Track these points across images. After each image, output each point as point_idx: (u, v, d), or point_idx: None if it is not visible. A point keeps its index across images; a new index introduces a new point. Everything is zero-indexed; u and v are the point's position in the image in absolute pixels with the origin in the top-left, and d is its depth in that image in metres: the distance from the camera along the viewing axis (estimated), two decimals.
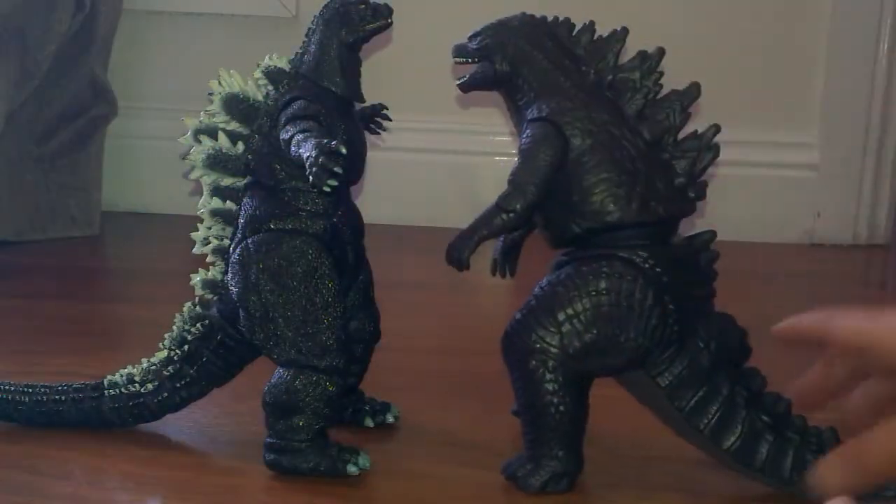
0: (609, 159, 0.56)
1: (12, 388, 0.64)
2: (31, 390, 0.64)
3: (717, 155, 0.58)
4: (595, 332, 0.55)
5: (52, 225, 1.21)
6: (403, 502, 0.57)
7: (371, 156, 0.66)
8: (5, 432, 0.64)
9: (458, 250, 0.56)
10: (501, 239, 0.65)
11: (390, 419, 0.67)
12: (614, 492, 0.58)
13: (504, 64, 0.59)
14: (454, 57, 0.61)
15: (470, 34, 0.60)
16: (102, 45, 1.22)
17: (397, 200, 1.25)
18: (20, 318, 0.90)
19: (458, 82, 0.61)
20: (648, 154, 0.57)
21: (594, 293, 0.55)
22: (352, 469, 0.58)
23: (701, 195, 0.58)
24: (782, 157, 1.27)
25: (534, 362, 0.55)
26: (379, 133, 0.68)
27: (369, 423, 0.66)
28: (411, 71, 1.26)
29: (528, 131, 0.57)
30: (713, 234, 0.59)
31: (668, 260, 0.56)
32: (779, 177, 1.27)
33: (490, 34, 0.59)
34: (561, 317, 0.55)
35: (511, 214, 0.56)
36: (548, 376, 0.55)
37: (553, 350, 0.55)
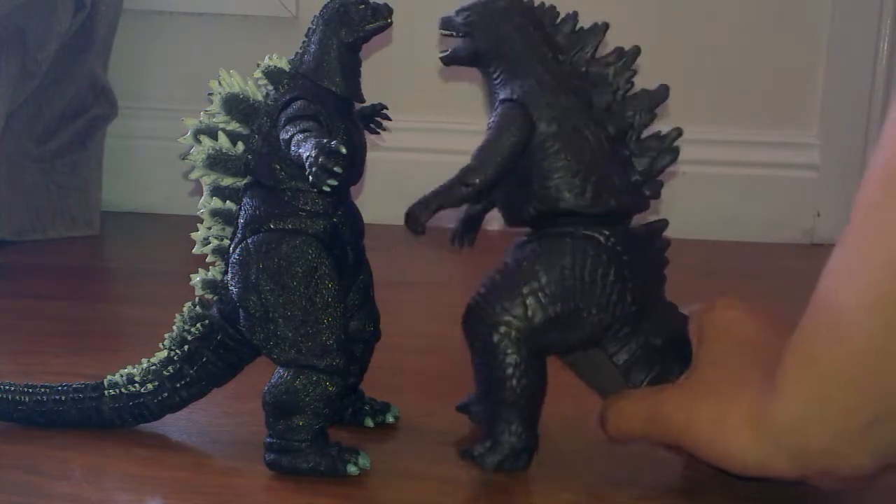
0: (570, 147, 0.57)
1: (12, 388, 0.64)
2: (31, 390, 0.64)
3: (675, 158, 0.59)
4: (559, 305, 0.56)
5: (52, 225, 1.21)
6: (403, 502, 0.57)
7: (371, 156, 0.66)
8: (5, 432, 0.64)
9: (416, 214, 0.57)
10: (463, 210, 0.66)
11: (390, 419, 0.67)
12: (614, 491, 0.58)
13: (485, 43, 0.60)
14: (440, 28, 0.62)
15: (458, 8, 0.61)
16: (102, 45, 1.22)
17: (397, 200, 1.25)
18: (20, 318, 0.90)
19: (440, 55, 0.62)
20: (609, 148, 0.58)
21: (558, 268, 0.57)
22: (352, 469, 0.59)
23: (656, 194, 0.60)
24: (782, 157, 1.26)
25: (497, 335, 0.56)
26: (379, 133, 0.68)
27: (369, 423, 0.66)
28: (411, 71, 1.26)
29: (497, 110, 0.59)
30: (666, 222, 0.61)
31: (629, 240, 0.58)
32: (779, 177, 1.26)
33: (477, 11, 0.60)
34: (525, 290, 0.56)
35: (469, 188, 0.57)
36: (510, 349, 0.56)
37: (517, 323, 0.56)
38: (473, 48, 0.60)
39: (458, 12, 0.61)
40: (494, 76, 0.60)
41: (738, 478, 0.57)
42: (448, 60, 0.62)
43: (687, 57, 1.26)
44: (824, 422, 0.48)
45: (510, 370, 0.56)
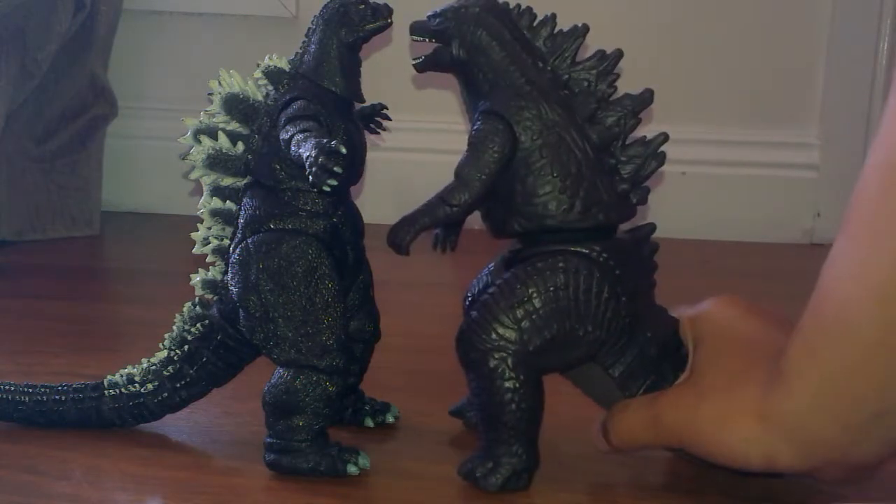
0: (556, 162, 0.56)
1: (12, 388, 0.64)
2: (31, 390, 0.64)
3: (661, 163, 0.58)
4: (554, 327, 0.55)
5: (52, 225, 1.21)
6: (403, 502, 0.57)
7: (371, 156, 0.66)
8: (5, 432, 0.64)
9: (399, 236, 0.56)
10: None
11: (390, 419, 0.67)
12: (614, 491, 0.58)
13: (460, 51, 0.58)
14: (411, 34, 0.60)
15: (430, 13, 0.60)
16: (102, 45, 1.22)
17: (397, 200, 1.25)
18: (20, 318, 0.90)
19: (413, 62, 0.61)
20: (594, 159, 0.57)
21: (552, 289, 0.56)
22: (352, 469, 0.59)
23: (642, 201, 0.59)
24: (782, 157, 1.26)
25: (493, 361, 0.55)
26: (379, 133, 0.68)
27: (369, 423, 0.66)
28: (411, 71, 1.26)
29: (479, 123, 0.57)
30: (653, 226, 0.60)
31: (619, 252, 0.57)
32: (779, 177, 1.26)
33: (450, 16, 0.59)
34: (520, 314, 0.55)
35: (454, 208, 0.56)
36: (508, 374, 0.55)
37: (513, 347, 0.55)
38: (448, 56, 0.59)
39: (429, 17, 0.60)
40: (472, 85, 0.59)
41: (741, 474, 0.57)
42: (421, 67, 0.61)
43: (687, 57, 1.26)
44: (833, 413, 0.48)
45: (508, 395, 0.55)
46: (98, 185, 1.26)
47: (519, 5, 0.59)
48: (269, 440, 0.59)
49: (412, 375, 0.77)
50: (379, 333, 0.65)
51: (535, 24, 0.59)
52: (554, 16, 0.59)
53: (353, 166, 0.60)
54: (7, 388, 0.64)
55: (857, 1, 1.22)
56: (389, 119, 0.67)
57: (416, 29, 0.60)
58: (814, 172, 1.26)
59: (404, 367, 0.78)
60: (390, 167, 1.28)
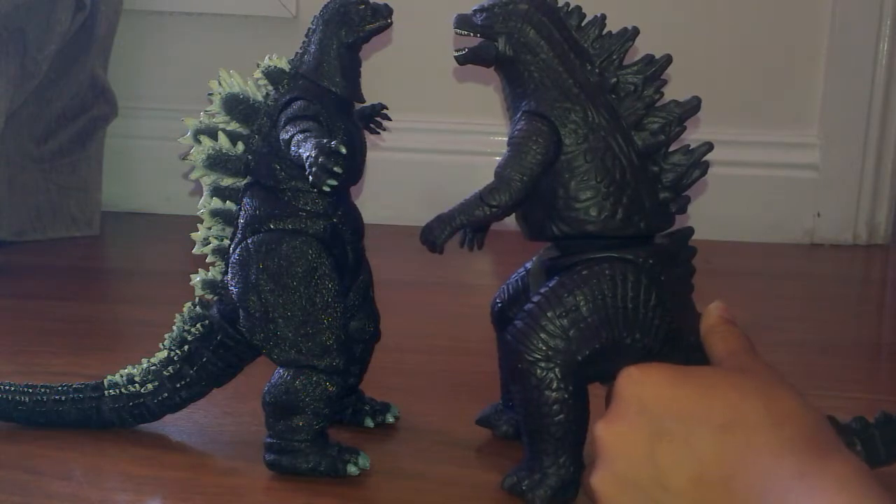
0: (600, 168, 0.55)
1: (12, 388, 0.64)
2: (31, 390, 0.64)
3: (704, 172, 0.58)
4: (603, 335, 0.54)
5: (52, 225, 1.21)
6: (403, 502, 0.57)
7: (371, 156, 0.66)
8: (5, 432, 0.64)
9: (435, 234, 0.55)
10: None
11: (390, 419, 0.67)
12: None
13: (507, 48, 0.57)
14: (455, 27, 0.58)
15: (475, 7, 0.58)
16: (102, 45, 1.22)
17: (397, 200, 1.26)
18: (21, 318, 0.90)
19: (455, 54, 0.59)
20: (638, 166, 0.56)
21: (600, 297, 0.54)
22: (352, 469, 0.59)
23: (682, 210, 0.58)
24: (782, 157, 1.27)
25: (541, 371, 0.54)
26: (379, 133, 0.68)
27: (369, 423, 0.66)
28: (411, 71, 1.26)
29: (522, 123, 0.56)
30: (691, 230, 0.59)
31: (663, 258, 0.56)
32: (779, 177, 1.27)
33: (497, 12, 0.57)
34: (567, 322, 0.54)
35: (493, 209, 0.55)
36: (556, 385, 0.54)
37: (561, 357, 0.54)
38: (493, 52, 0.57)
39: (475, 12, 0.58)
40: (516, 83, 0.57)
41: None
42: (463, 60, 0.59)
43: (687, 57, 1.26)
44: None
45: (556, 406, 0.54)
46: (98, 186, 1.26)
47: (567, 3, 0.58)
48: (269, 440, 0.59)
49: (412, 375, 0.77)
50: (379, 333, 0.65)
51: (583, 24, 0.57)
52: (603, 17, 0.57)
53: (353, 166, 0.60)
54: (7, 388, 0.64)
55: (857, 1, 1.22)
56: (389, 119, 0.67)
57: (461, 22, 0.58)
58: (814, 172, 1.26)
59: (404, 367, 0.78)
60: (390, 167, 1.28)
